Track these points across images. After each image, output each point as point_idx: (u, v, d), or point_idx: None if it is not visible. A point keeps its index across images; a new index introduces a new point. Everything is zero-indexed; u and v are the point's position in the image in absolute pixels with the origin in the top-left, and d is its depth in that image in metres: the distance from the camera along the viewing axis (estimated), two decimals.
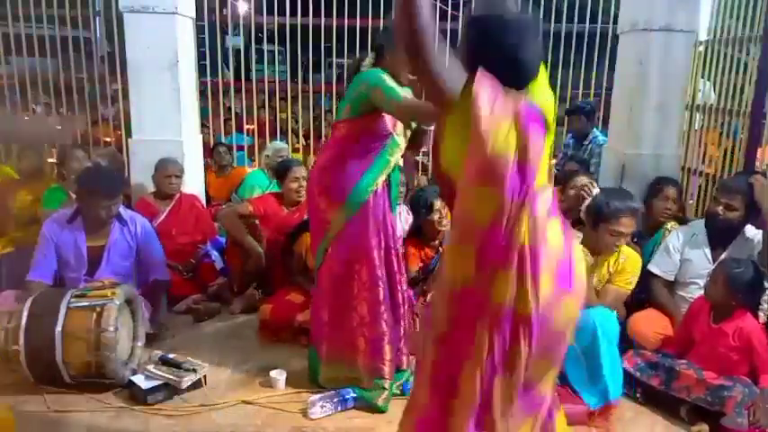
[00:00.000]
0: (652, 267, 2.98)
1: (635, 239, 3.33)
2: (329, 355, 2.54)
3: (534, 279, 1.35)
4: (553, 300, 1.39)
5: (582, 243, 2.60)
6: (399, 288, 2.53)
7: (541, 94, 1.46)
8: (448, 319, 1.44)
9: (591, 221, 2.64)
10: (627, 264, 2.61)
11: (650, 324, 2.84)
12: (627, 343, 2.79)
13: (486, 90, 1.33)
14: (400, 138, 2.43)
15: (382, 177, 2.44)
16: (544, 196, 1.41)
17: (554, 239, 1.41)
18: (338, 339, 2.51)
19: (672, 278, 2.98)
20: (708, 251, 2.90)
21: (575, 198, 3.22)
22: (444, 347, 1.44)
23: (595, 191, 2.93)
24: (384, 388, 2.46)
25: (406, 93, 2.29)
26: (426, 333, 1.52)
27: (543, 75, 1.48)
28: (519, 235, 1.33)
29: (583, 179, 3.30)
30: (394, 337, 2.50)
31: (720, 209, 2.84)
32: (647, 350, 2.69)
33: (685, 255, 2.95)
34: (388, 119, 2.37)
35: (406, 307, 2.58)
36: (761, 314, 2.53)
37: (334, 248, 2.46)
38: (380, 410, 2.44)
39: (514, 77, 1.40)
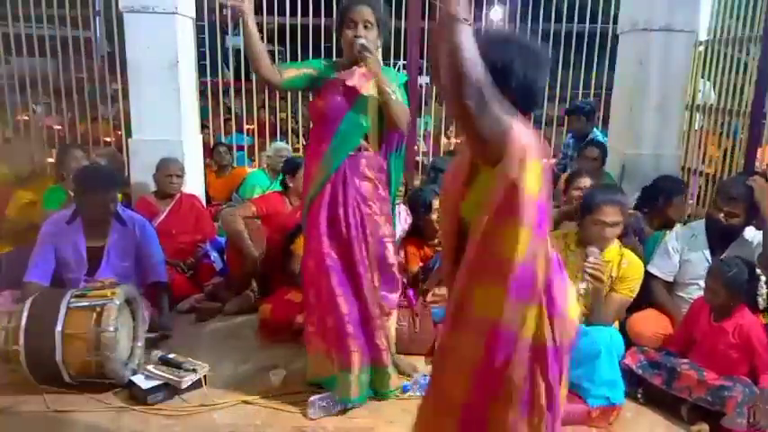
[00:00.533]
0: (651, 268, 2.98)
1: (637, 237, 3.34)
2: (309, 349, 2.57)
3: (550, 312, 1.38)
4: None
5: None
6: (363, 282, 2.47)
7: None
8: (478, 360, 1.42)
9: (579, 216, 2.67)
10: (629, 270, 2.60)
11: (650, 324, 2.84)
12: (627, 343, 2.79)
13: (522, 130, 1.30)
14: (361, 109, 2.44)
15: (349, 145, 2.44)
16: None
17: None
18: (310, 333, 2.55)
19: (671, 279, 2.98)
20: (707, 252, 2.89)
21: (579, 200, 3.21)
22: (476, 387, 1.43)
23: None
24: (350, 380, 2.43)
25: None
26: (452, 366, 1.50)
27: None
28: (541, 269, 1.36)
29: (586, 180, 3.28)
30: (358, 328, 2.45)
31: (722, 216, 2.82)
32: (650, 348, 2.69)
33: (684, 256, 2.94)
34: (337, 96, 2.43)
35: (375, 301, 2.52)
36: (760, 300, 2.51)
37: (304, 238, 2.54)
38: (353, 402, 2.45)
39: (528, 105, 1.41)
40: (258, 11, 5.56)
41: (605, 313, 2.55)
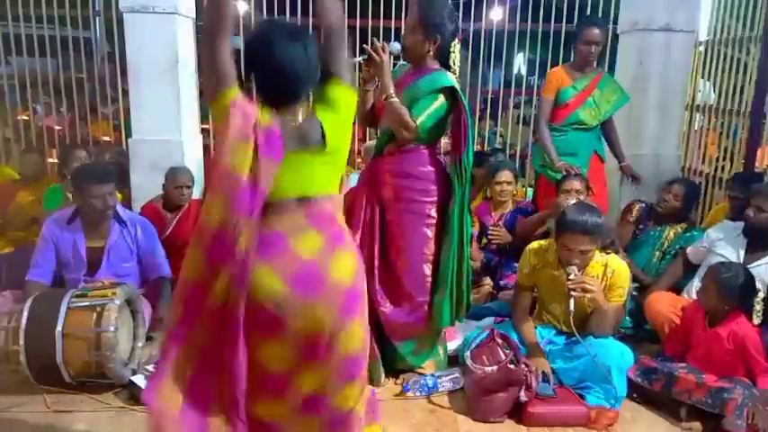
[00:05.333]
0: (688, 248, 3.13)
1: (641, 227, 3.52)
2: None
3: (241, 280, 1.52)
4: (339, 323, 1.59)
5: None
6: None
7: (327, 111, 1.64)
8: (176, 314, 1.61)
9: (555, 231, 2.63)
10: (616, 278, 2.56)
11: (667, 304, 2.83)
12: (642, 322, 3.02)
13: (237, 114, 1.52)
14: None
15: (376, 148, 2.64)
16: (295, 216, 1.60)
17: (306, 247, 1.59)
18: None
19: (695, 262, 3.06)
20: (742, 252, 2.86)
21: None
22: (170, 341, 1.61)
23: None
24: None
25: None
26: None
27: (341, 94, 1.66)
28: (241, 243, 1.52)
29: (575, 183, 3.14)
30: None
31: (752, 211, 2.82)
32: (648, 356, 2.69)
33: (719, 249, 2.93)
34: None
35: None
36: (754, 315, 2.52)
37: None
38: None
39: (277, 92, 1.60)
40: (258, 11, 5.57)
41: (608, 323, 2.55)
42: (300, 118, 1.61)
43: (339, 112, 1.66)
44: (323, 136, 1.61)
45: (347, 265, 1.64)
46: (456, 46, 2.55)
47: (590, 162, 3.57)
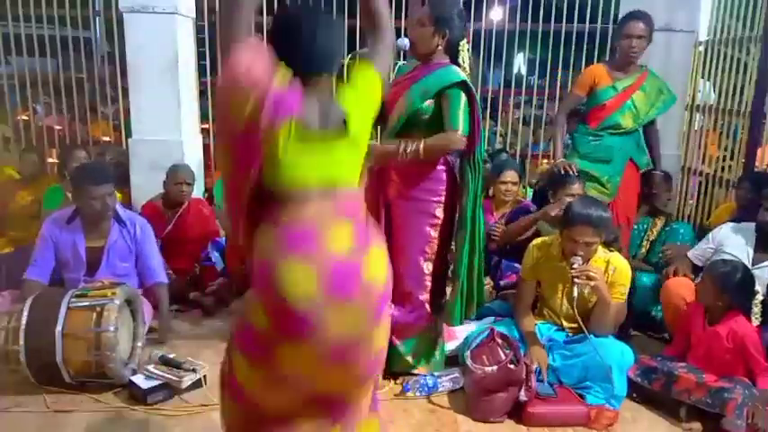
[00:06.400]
0: (690, 251, 3.09)
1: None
2: None
3: None
4: (369, 328, 1.51)
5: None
6: None
7: (347, 90, 1.54)
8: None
9: (560, 225, 2.65)
10: (617, 276, 2.58)
11: (685, 287, 2.82)
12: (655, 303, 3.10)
13: (245, 56, 1.38)
14: None
15: None
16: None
17: (338, 243, 1.46)
18: None
19: (699, 263, 2.99)
20: (750, 252, 2.84)
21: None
22: None
23: None
24: None
25: None
26: None
27: (367, 78, 1.58)
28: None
29: (576, 187, 3.09)
30: None
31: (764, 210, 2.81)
32: (648, 357, 2.69)
33: (726, 249, 2.89)
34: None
35: None
36: (753, 317, 2.52)
37: None
38: None
39: (305, 60, 1.48)
40: (258, 11, 5.56)
41: (609, 319, 2.55)
42: (326, 96, 1.51)
43: (357, 89, 1.56)
44: (345, 118, 1.49)
45: (381, 266, 1.53)
46: (465, 45, 2.55)
47: (624, 170, 3.34)
